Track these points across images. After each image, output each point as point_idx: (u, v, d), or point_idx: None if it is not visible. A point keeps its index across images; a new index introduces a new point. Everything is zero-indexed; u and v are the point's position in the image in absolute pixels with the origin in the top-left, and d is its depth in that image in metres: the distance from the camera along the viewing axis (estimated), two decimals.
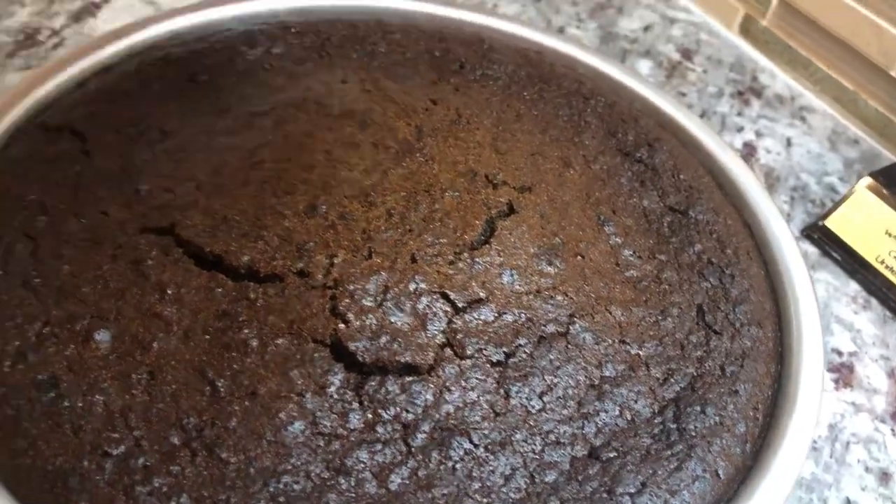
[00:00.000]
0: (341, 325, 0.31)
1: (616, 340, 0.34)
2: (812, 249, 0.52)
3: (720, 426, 0.33)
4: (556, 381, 0.32)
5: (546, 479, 0.30)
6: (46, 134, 0.38)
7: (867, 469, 0.42)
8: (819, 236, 0.53)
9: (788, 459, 0.32)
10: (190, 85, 0.42)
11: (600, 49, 0.64)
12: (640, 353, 0.34)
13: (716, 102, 0.61)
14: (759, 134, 0.60)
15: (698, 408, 0.33)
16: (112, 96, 0.40)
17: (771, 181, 0.56)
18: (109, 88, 0.41)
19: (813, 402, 0.34)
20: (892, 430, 0.44)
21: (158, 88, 0.41)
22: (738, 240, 0.40)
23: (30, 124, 0.39)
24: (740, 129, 0.60)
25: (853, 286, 0.51)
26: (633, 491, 0.30)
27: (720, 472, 0.32)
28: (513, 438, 0.30)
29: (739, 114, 0.61)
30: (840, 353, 0.47)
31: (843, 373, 0.46)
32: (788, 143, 0.60)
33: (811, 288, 0.39)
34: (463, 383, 0.31)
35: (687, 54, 0.65)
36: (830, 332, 0.48)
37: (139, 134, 0.39)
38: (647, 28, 0.67)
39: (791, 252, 0.40)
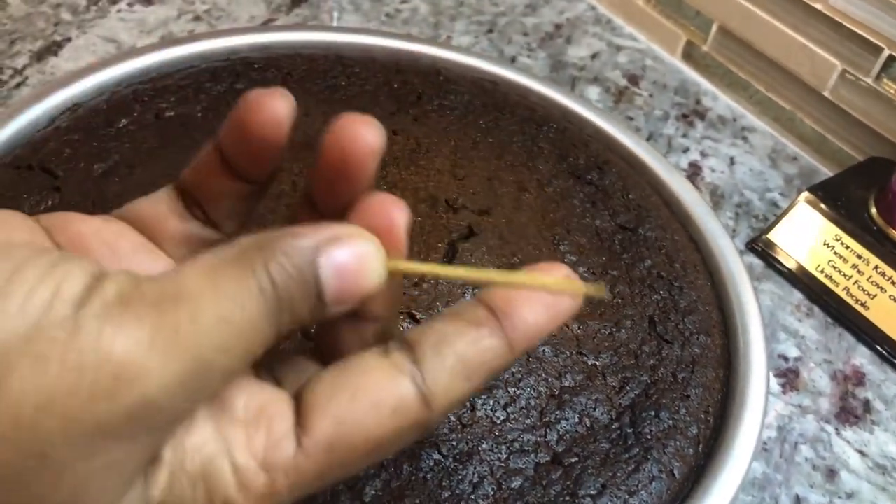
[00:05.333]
0: None
1: (574, 352, 0.36)
2: (757, 262, 0.55)
3: (674, 429, 0.35)
4: (518, 392, 0.34)
5: (512, 486, 0.32)
6: (18, 171, 0.39)
7: (814, 467, 0.44)
8: (763, 249, 0.55)
9: (739, 457, 0.35)
10: (156, 121, 0.43)
11: (551, 77, 0.66)
12: (597, 363, 0.36)
13: (662, 125, 0.64)
14: (703, 154, 0.63)
15: (653, 413, 0.35)
16: (81, 133, 0.42)
17: (716, 198, 0.59)
18: (78, 125, 0.42)
19: (759, 402, 0.37)
20: (837, 429, 0.46)
21: (126, 124, 0.43)
22: (685, 254, 0.43)
23: (0, 163, 0.40)
24: (686, 150, 0.63)
25: (797, 295, 0.54)
26: (594, 493, 0.32)
27: (675, 472, 0.34)
28: (479, 448, 0.32)
29: (685, 135, 0.64)
30: (786, 359, 0.50)
31: (789, 377, 0.49)
32: (732, 161, 0.63)
33: (754, 297, 0.41)
34: None
35: (633, 80, 0.68)
36: (777, 340, 0.51)
37: (109, 169, 0.40)
38: (594, 56, 0.70)
39: (735, 264, 0.43)
